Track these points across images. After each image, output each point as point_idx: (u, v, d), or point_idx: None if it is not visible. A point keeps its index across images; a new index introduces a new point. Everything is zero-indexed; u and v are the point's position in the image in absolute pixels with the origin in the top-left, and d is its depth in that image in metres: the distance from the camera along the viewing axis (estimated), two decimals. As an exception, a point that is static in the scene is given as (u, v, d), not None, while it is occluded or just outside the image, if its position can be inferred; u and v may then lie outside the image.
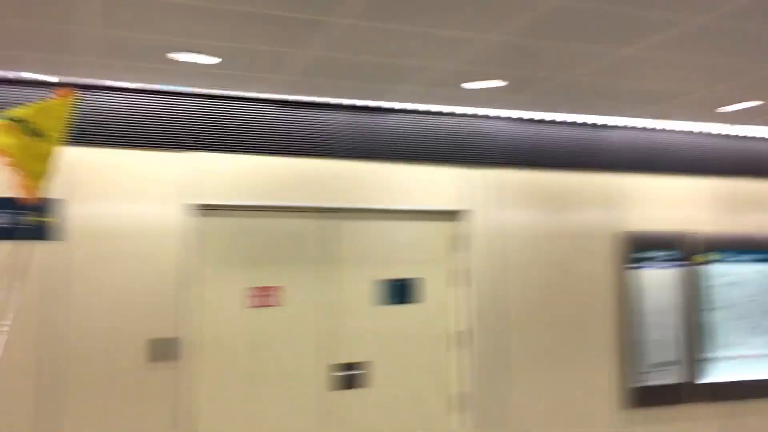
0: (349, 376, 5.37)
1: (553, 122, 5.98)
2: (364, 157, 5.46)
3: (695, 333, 6.19)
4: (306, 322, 5.31)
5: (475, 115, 5.77)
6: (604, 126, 6.14)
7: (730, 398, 6.24)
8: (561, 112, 5.83)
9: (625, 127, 6.21)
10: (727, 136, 6.53)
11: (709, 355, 6.19)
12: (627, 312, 6.02)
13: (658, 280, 6.11)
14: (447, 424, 5.59)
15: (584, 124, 6.08)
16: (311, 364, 5.30)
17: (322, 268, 5.38)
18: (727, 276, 6.33)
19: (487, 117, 5.81)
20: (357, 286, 5.46)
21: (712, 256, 6.29)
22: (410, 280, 5.60)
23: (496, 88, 5.05)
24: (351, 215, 5.48)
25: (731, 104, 5.58)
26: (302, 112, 5.31)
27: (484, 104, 5.56)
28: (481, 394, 5.60)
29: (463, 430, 5.57)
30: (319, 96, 5.24)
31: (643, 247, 6.09)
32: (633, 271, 6.04)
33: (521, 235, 5.83)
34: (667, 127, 6.32)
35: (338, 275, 5.42)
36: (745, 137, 6.59)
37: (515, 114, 5.85)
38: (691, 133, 6.41)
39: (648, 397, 5.99)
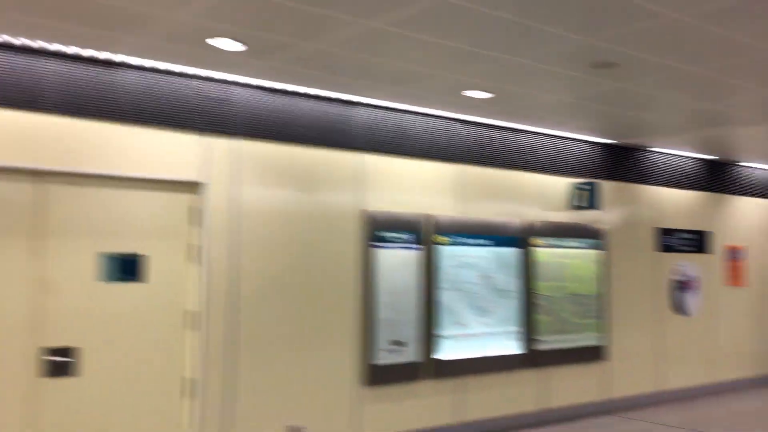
0: (63, 362, 4.74)
1: (302, 95, 5.79)
2: (86, 115, 4.83)
3: (429, 312, 6.39)
4: (8, 301, 4.58)
5: (218, 80, 5.39)
6: (354, 103, 6.09)
7: (460, 374, 6.55)
8: (307, 85, 5.64)
9: (374, 107, 6.21)
10: (468, 123, 6.82)
11: (442, 333, 6.43)
12: (369, 291, 6.04)
13: (398, 261, 6.21)
14: (176, 413, 5.17)
15: (334, 100, 5.97)
16: (14, 349, 4.58)
17: (29, 240, 4.67)
18: (459, 258, 6.63)
19: (230, 83, 5.45)
20: (74, 261, 4.82)
21: (447, 239, 6.54)
22: (138, 255, 5.08)
23: (238, 52, 4.72)
24: (67, 180, 4.82)
25: (471, 91, 5.79)
26: (3, 55, 4.55)
27: (227, 68, 5.19)
28: (213, 380, 5.26)
29: (193, 418, 5.19)
30: (25, 37, 4.50)
31: (385, 228, 6.15)
32: (375, 251, 6.07)
33: (262, 212, 5.57)
34: (415, 110, 6.44)
35: (51, 248, 4.74)
36: (482, 125, 6.93)
37: (264, 83, 5.56)
38: (436, 117, 6.60)
39: (387, 374, 6.07)
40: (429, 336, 6.38)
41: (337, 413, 5.86)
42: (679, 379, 8.55)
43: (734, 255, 9.41)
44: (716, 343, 9.05)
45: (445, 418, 6.49)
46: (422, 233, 6.40)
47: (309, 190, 5.82)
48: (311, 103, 5.84)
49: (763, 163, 9.70)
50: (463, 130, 6.81)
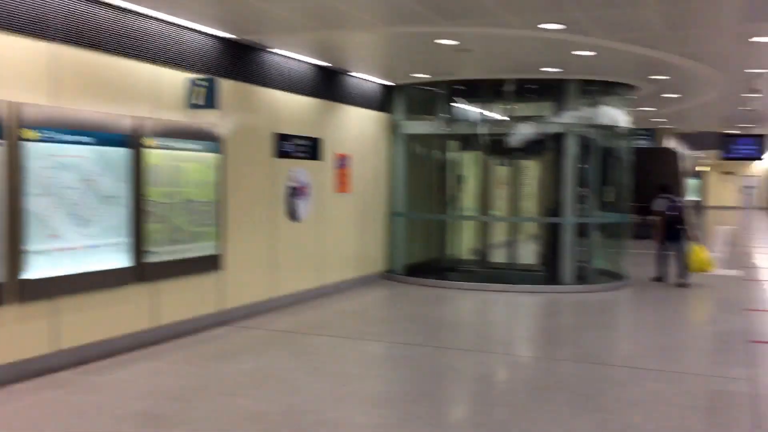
0: None
1: None
2: None
3: (14, 223, 5.21)
4: None
5: None
6: None
7: (55, 295, 5.55)
8: None
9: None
10: (63, -6, 5.59)
11: (31, 248, 5.31)
12: None
13: (-33, 159, 4.87)
14: None
15: None
16: None
17: None
18: (55, 157, 5.49)
19: None
20: None
21: (37, 133, 5.34)
22: None
23: None
24: None
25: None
26: None
27: None
28: None
29: None
30: None
31: (-52, 116, 4.73)
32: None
33: None
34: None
35: None
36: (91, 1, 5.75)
37: None
38: (18, -19, 5.24)
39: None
40: (14, 252, 5.22)
41: None
42: (290, 284, 8.65)
43: (342, 163, 9.76)
44: (324, 247, 9.37)
45: (39, 348, 5.48)
46: (2, 126, 5.10)
47: None
48: None
49: (370, 75, 10.13)
50: (67, 3, 5.55)
